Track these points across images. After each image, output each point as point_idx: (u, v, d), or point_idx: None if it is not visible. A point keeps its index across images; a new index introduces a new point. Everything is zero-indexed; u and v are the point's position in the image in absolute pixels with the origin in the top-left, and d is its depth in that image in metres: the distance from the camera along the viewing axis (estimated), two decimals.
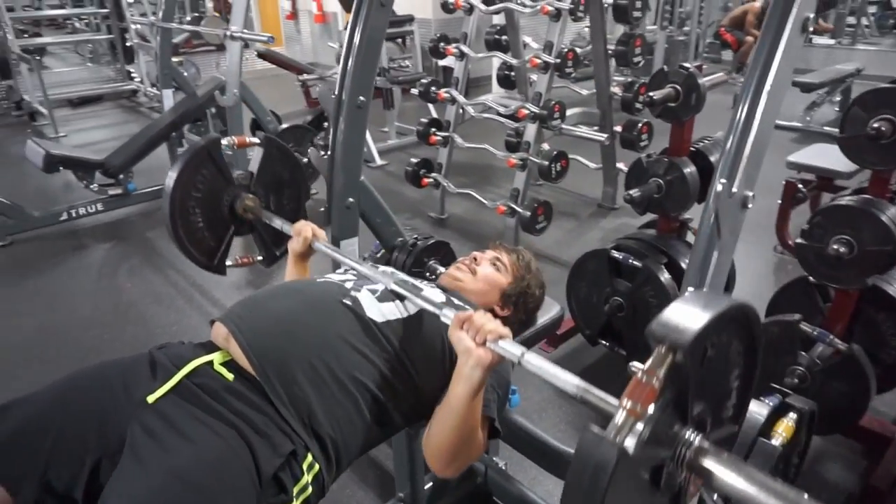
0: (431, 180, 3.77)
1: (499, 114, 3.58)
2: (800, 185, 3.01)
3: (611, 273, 2.27)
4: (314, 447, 1.06)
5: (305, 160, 3.35)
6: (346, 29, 1.90)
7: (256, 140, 1.78)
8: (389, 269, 1.46)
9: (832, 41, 8.15)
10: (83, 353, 2.59)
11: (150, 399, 1.04)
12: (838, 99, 5.67)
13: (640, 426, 0.65)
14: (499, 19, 4.10)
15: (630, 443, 0.64)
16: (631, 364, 0.71)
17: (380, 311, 1.22)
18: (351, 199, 1.93)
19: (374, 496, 1.90)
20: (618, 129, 3.43)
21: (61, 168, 3.56)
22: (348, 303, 1.22)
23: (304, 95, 6.06)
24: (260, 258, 1.87)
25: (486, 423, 1.18)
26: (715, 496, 1.05)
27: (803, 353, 1.89)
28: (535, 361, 0.95)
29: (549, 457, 1.75)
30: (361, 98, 1.85)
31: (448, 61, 4.09)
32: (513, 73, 4.04)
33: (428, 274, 1.93)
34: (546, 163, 3.18)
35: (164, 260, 3.41)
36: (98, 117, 6.55)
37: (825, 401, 1.78)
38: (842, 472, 1.98)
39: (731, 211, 1.06)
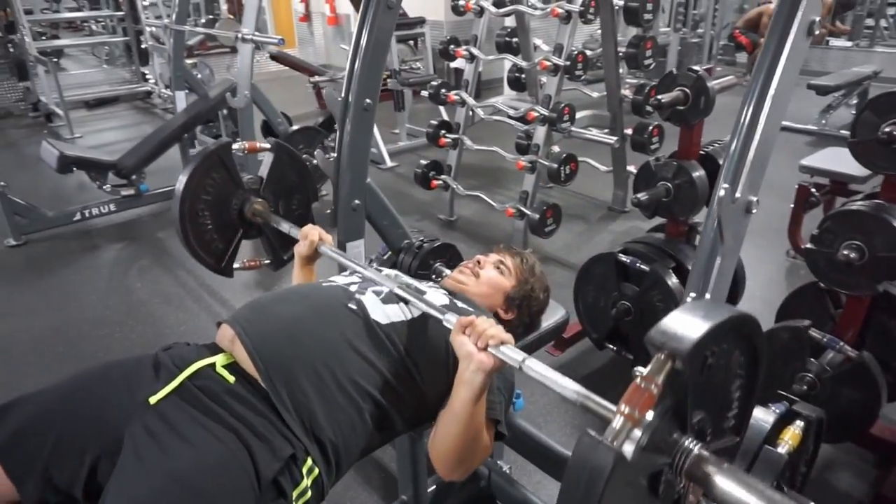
0: (441, 182, 3.77)
1: (509, 116, 3.58)
2: (813, 190, 2.97)
3: (618, 277, 2.26)
4: (314, 451, 1.06)
5: (314, 162, 3.36)
6: None
7: (267, 145, 1.80)
8: (393, 273, 1.46)
9: (849, 43, 8.04)
10: (93, 351, 2.61)
11: (152, 400, 1.05)
12: (855, 102, 5.58)
13: (637, 432, 0.64)
14: (510, 21, 4.10)
15: (627, 448, 0.63)
16: (635, 369, 0.71)
17: (384, 313, 1.22)
18: (357, 201, 1.93)
19: (377, 498, 1.90)
20: (628, 131, 3.41)
21: (75, 169, 3.61)
22: (353, 307, 1.22)
23: (315, 97, 6.09)
24: (267, 262, 1.89)
25: (492, 426, 1.18)
26: None
27: (813, 359, 1.86)
28: (536, 367, 0.95)
29: (552, 461, 1.74)
30: (368, 100, 1.85)
31: (459, 63, 4.09)
32: (523, 76, 4.03)
33: (434, 276, 1.93)
34: (555, 165, 3.17)
35: (174, 260, 3.44)
36: (113, 118, 6.63)
37: (835, 408, 1.76)
38: (852, 480, 1.95)
39: (735, 216, 1.05)
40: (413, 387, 1.19)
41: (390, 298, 1.26)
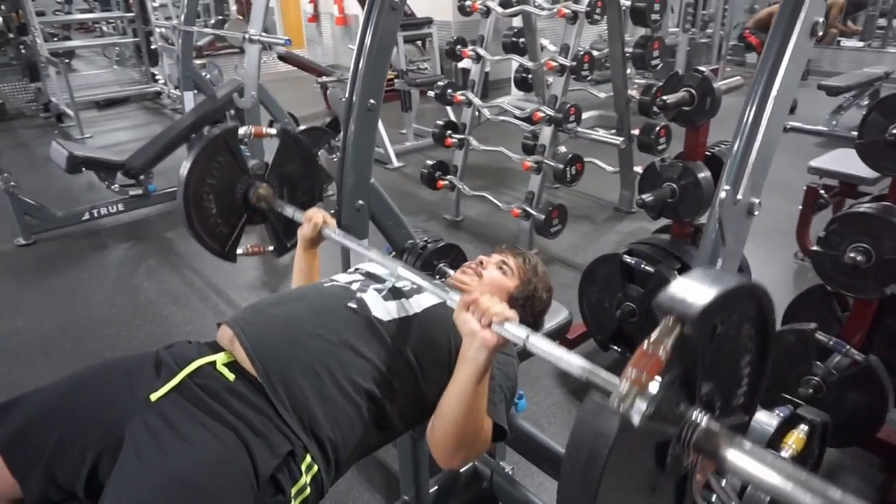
0: (447, 183, 3.77)
1: (515, 116, 3.57)
2: (821, 191, 2.94)
3: (623, 278, 2.25)
4: (313, 449, 1.07)
5: (319, 162, 3.37)
6: None
7: (273, 131, 1.80)
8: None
9: (861, 44, 7.97)
10: (100, 350, 2.63)
11: (153, 397, 1.06)
12: (866, 103, 5.54)
13: (644, 397, 0.62)
14: (518, 22, 4.09)
15: (633, 412, 0.61)
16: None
17: (385, 310, 1.22)
18: (361, 202, 1.93)
19: (380, 498, 1.90)
20: (635, 132, 3.39)
21: (84, 169, 3.64)
22: (353, 306, 1.22)
23: (323, 97, 6.11)
24: (271, 248, 1.89)
25: (491, 423, 1.17)
26: (724, 482, 0.99)
27: (819, 362, 1.85)
28: (540, 344, 0.93)
29: (554, 463, 1.73)
30: (372, 101, 1.85)
31: (466, 64, 4.09)
32: (530, 76, 4.03)
33: (437, 277, 1.93)
34: (561, 166, 3.16)
35: (181, 260, 3.46)
36: (123, 119, 6.67)
37: (841, 412, 1.74)
38: (858, 485, 1.93)
39: (736, 218, 1.04)
40: (414, 385, 1.19)
41: (391, 295, 1.26)
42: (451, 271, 1.90)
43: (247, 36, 3.41)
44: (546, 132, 3.28)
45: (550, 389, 2.37)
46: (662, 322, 0.64)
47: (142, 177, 3.85)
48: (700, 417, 0.69)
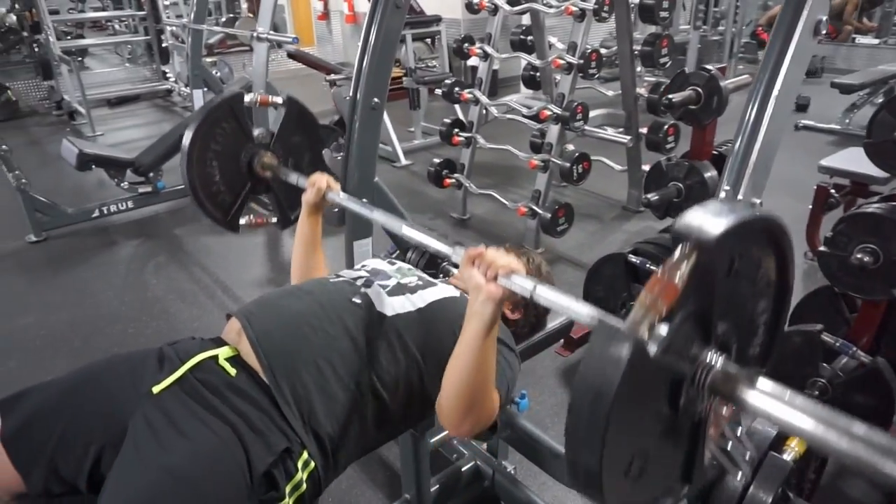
0: (454, 181, 3.76)
1: (522, 115, 3.56)
2: (832, 191, 2.91)
3: (628, 277, 2.24)
4: (311, 445, 1.07)
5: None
6: None
7: (279, 99, 1.79)
8: (406, 266, 1.45)
9: (876, 41, 7.87)
10: (109, 345, 2.66)
11: (155, 390, 1.07)
12: (880, 101, 5.46)
13: (659, 324, 0.59)
14: (527, 20, 4.08)
15: (648, 338, 0.58)
16: None
17: (390, 306, 1.22)
18: (365, 200, 1.93)
19: (382, 496, 1.90)
20: (643, 130, 3.37)
21: (94, 166, 3.67)
22: (357, 301, 1.23)
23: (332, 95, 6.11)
24: (274, 220, 1.88)
25: (498, 396, 1.14)
26: (740, 430, 0.93)
27: (825, 364, 1.83)
28: (547, 294, 0.91)
29: (557, 463, 1.73)
30: (376, 99, 1.85)
31: (475, 61, 4.08)
32: (538, 74, 4.01)
33: (441, 276, 1.93)
34: (567, 164, 3.14)
35: (189, 257, 3.48)
36: (134, 116, 6.72)
37: (848, 414, 1.73)
38: (865, 488, 1.91)
39: None
40: (417, 382, 1.19)
41: (397, 290, 1.26)
42: (454, 270, 1.90)
43: (255, 34, 3.42)
44: (553, 130, 3.26)
45: (554, 389, 2.36)
46: (678, 250, 0.61)
47: (151, 174, 3.87)
48: (715, 359, 0.66)
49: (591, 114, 3.35)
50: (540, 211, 3.26)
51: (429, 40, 6.70)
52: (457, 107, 4.74)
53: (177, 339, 1.23)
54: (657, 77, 5.34)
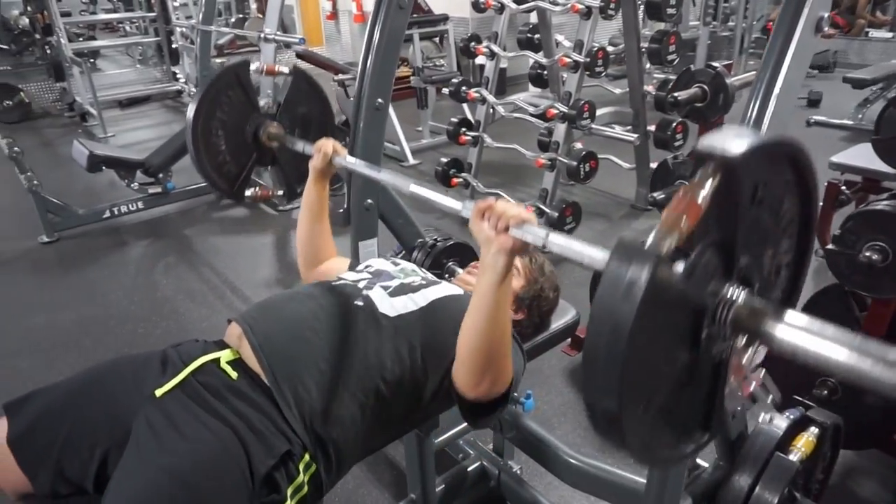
0: (461, 180, 3.76)
1: (529, 113, 3.55)
2: (843, 188, 2.88)
3: None
4: (313, 447, 1.07)
5: None
6: None
7: (286, 69, 1.78)
8: (410, 267, 1.45)
9: (890, 34, 7.76)
10: (118, 345, 2.69)
11: (158, 393, 1.07)
12: (891, 96, 5.38)
13: (682, 241, 0.56)
14: (534, 18, 4.06)
15: (670, 256, 0.55)
16: None
17: (392, 306, 1.22)
18: (370, 201, 1.94)
19: (388, 496, 1.91)
20: (651, 128, 3.35)
21: (104, 167, 3.70)
22: (360, 303, 1.23)
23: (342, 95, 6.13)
24: (280, 193, 1.87)
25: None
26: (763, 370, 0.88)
27: None
28: (560, 241, 0.89)
29: (562, 465, 1.72)
30: (380, 100, 1.85)
31: (483, 60, 4.07)
32: (545, 72, 4.00)
33: (447, 276, 1.94)
34: (574, 163, 3.13)
35: (198, 257, 3.51)
36: (145, 117, 6.78)
37: (857, 414, 1.71)
38: (876, 488, 1.89)
39: None
40: (420, 382, 1.19)
41: (398, 291, 1.26)
42: (460, 270, 1.90)
43: (262, 35, 3.44)
44: (560, 129, 3.25)
45: (561, 388, 2.36)
46: (701, 171, 0.58)
47: (160, 175, 3.91)
48: (738, 293, 0.63)
49: (599, 112, 3.34)
50: (547, 210, 3.25)
51: (437, 39, 6.69)
52: (464, 106, 4.74)
53: (184, 339, 1.24)
54: (666, 74, 5.31)
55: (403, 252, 2.16)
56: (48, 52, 6.51)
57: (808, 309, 2.06)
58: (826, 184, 2.88)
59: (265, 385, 1.09)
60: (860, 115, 5.20)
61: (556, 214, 3.20)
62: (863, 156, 2.97)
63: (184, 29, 6.52)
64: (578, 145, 3.33)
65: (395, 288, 1.27)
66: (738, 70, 6.16)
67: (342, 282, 1.33)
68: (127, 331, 2.81)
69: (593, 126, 3.25)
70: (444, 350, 1.18)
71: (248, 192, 1.77)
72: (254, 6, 10.00)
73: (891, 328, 1.85)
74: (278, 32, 3.45)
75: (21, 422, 1.08)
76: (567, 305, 1.71)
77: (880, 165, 2.79)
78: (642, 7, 3.37)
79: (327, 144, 1.47)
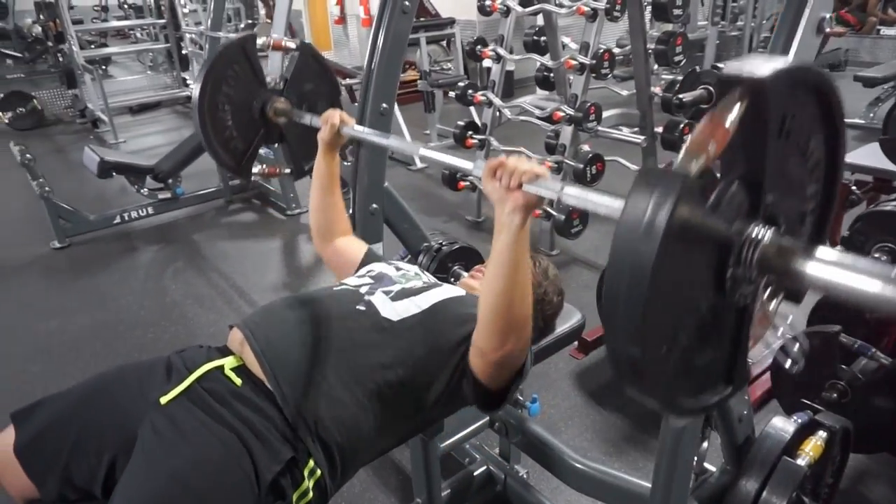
0: (468, 183, 3.76)
1: (535, 116, 3.54)
2: (853, 188, 2.85)
3: None
4: (317, 453, 1.07)
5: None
6: None
7: (292, 44, 1.77)
8: (414, 269, 1.45)
9: None
10: (128, 350, 2.71)
11: (163, 400, 1.08)
12: None
13: (710, 165, 0.54)
14: (541, 20, 4.05)
15: (699, 173, 0.53)
16: None
17: (394, 310, 1.22)
18: (375, 205, 1.94)
19: (394, 500, 1.91)
20: (659, 129, 3.33)
21: (114, 173, 3.74)
22: (362, 308, 1.23)
23: (349, 101, 6.15)
24: (287, 171, 1.85)
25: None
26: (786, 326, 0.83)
27: (844, 366, 1.79)
28: (575, 192, 0.87)
29: (567, 469, 1.72)
30: (384, 105, 1.86)
31: (490, 63, 4.07)
32: (551, 75, 3.98)
33: (452, 280, 1.94)
34: (581, 166, 3.12)
35: (207, 262, 3.53)
36: (155, 123, 6.84)
37: (867, 418, 1.69)
38: (887, 492, 1.87)
39: None
40: (424, 385, 1.18)
41: (400, 295, 1.26)
42: (465, 274, 1.90)
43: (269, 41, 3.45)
44: (566, 131, 3.24)
45: (568, 392, 2.35)
46: (727, 96, 0.56)
47: (170, 180, 3.94)
48: (764, 233, 0.61)
49: (606, 114, 3.32)
50: (554, 213, 3.24)
51: (444, 42, 6.70)
52: (471, 109, 4.74)
53: (196, 344, 1.25)
54: (674, 75, 5.28)
55: (409, 256, 2.16)
56: (60, 59, 6.60)
57: (818, 310, 2.03)
58: None
59: (269, 390, 1.10)
60: (871, 114, 5.16)
61: (563, 217, 3.16)
62: (874, 155, 2.94)
63: (193, 35, 6.57)
64: (585, 148, 3.31)
65: (396, 292, 1.27)
66: None
67: (344, 287, 1.33)
68: (136, 336, 2.83)
69: (600, 128, 3.24)
70: (448, 352, 1.18)
71: (255, 170, 1.76)
72: (262, 11, 10.07)
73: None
74: (285, 38, 3.47)
75: (29, 431, 1.10)
76: (572, 309, 1.70)
77: (892, 165, 2.77)
78: (648, 8, 3.34)
79: (334, 115, 1.47)
